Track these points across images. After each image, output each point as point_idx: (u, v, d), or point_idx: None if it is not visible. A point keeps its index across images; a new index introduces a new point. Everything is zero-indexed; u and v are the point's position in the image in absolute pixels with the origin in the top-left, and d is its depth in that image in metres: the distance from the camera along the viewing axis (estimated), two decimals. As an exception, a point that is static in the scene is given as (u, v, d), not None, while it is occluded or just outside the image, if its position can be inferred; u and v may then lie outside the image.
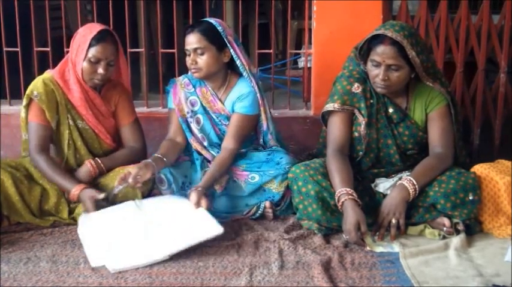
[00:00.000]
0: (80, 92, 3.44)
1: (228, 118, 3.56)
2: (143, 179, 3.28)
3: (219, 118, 3.58)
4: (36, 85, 3.42)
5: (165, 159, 3.43)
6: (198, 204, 3.22)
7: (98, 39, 3.35)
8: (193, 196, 3.23)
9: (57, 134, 3.47)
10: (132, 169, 3.28)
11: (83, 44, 3.36)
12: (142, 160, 3.39)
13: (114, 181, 3.32)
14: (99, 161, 3.43)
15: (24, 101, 3.43)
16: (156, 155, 3.43)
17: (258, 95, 3.55)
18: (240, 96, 3.53)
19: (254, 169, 3.48)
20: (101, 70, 3.36)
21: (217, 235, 3.06)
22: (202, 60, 3.44)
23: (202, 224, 3.12)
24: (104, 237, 3.07)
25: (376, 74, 3.18)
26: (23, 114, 3.46)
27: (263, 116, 3.59)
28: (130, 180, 3.24)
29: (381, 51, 3.14)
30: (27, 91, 3.43)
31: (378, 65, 3.17)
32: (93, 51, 3.35)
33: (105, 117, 3.54)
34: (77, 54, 3.39)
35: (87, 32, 3.40)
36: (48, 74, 3.49)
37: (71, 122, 3.46)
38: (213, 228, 3.08)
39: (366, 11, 3.98)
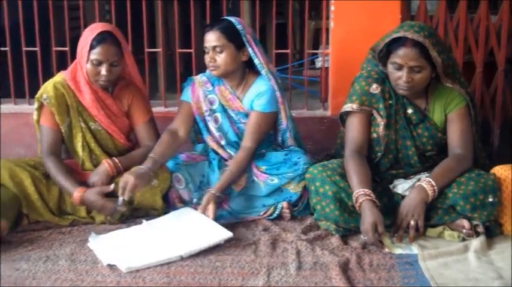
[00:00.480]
0: (90, 93, 3.45)
1: (246, 116, 3.56)
2: (139, 189, 3.30)
3: (237, 116, 3.58)
4: (46, 89, 3.45)
5: (161, 160, 3.42)
6: (205, 208, 3.25)
7: (98, 41, 3.35)
8: (204, 198, 3.29)
9: (70, 137, 3.49)
10: (131, 176, 3.24)
11: (85, 47, 3.38)
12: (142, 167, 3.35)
13: None
14: (116, 161, 3.44)
15: (36, 104, 3.47)
16: (152, 156, 3.39)
17: (278, 93, 3.54)
18: (258, 94, 3.52)
19: (274, 171, 3.48)
20: (103, 72, 3.37)
21: (228, 238, 3.10)
22: (221, 58, 3.45)
23: (212, 230, 3.17)
24: (116, 245, 3.09)
25: (399, 76, 3.17)
26: (35, 117, 3.49)
27: (282, 114, 3.58)
28: (126, 195, 3.24)
29: (403, 54, 3.12)
30: (37, 95, 3.46)
31: (400, 67, 3.15)
32: (94, 53, 3.36)
33: (118, 117, 3.55)
34: (81, 57, 3.41)
35: (88, 34, 3.41)
36: (59, 77, 3.51)
37: (83, 125, 3.48)
38: (222, 233, 3.13)
39: (384, 11, 3.97)
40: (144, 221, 3.29)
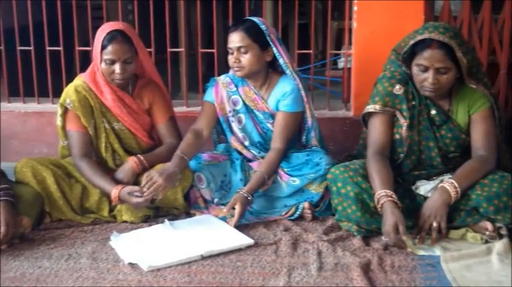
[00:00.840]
0: (110, 93, 3.46)
1: (272, 116, 3.56)
2: (167, 191, 3.31)
3: (263, 116, 3.58)
4: (68, 93, 3.45)
5: (186, 158, 3.43)
6: (231, 207, 3.27)
7: (108, 39, 3.35)
8: (232, 198, 3.30)
9: (94, 138, 3.49)
10: (160, 178, 3.24)
11: (98, 47, 3.38)
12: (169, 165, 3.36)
13: None
14: (142, 158, 3.44)
15: (59, 110, 3.46)
16: (180, 154, 3.41)
17: (303, 92, 3.54)
18: (283, 94, 3.52)
19: (295, 172, 3.47)
20: (117, 70, 3.37)
21: (249, 244, 3.11)
22: (245, 59, 3.44)
23: (234, 235, 3.20)
24: (137, 244, 3.11)
25: (425, 78, 3.14)
26: (59, 123, 3.49)
27: (308, 113, 3.58)
28: (153, 195, 3.25)
29: (429, 56, 3.10)
30: (60, 100, 3.47)
31: (425, 69, 3.12)
32: (106, 53, 3.36)
33: (139, 114, 3.55)
34: (96, 57, 3.42)
35: (99, 34, 3.40)
36: (79, 79, 3.51)
37: (106, 126, 3.49)
38: (244, 239, 3.15)
39: (407, 11, 3.94)
40: (166, 220, 3.30)
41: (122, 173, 3.41)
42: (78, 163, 3.40)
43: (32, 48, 4.32)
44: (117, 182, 3.36)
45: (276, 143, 3.51)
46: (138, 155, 3.46)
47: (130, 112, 3.53)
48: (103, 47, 3.36)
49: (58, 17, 4.24)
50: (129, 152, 3.55)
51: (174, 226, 3.28)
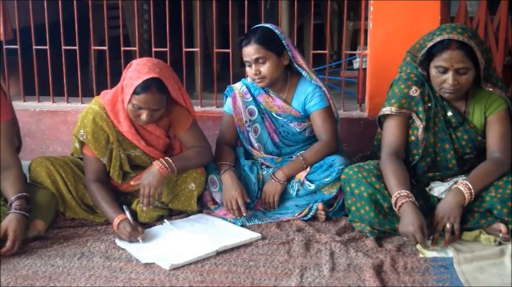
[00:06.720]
0: (129, 126, 3.35)
1: (296, 118, 3.55)
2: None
3: (287, 119, 3.55)
4: (84, 122, 3.33)
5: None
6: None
7: (143, 88, 3.18)
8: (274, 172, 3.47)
9: (109, 165, 3.40)
10: (239, 195, 3.37)
11: (129, 88, 3.22)
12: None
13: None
14: (170, 161, 3.32)
15: (75, 140, 3.39)
16: (230, 164, 3.50)
17: (324, 88, 3.54)
18: (307, 96, 3.52)
19: (309, 177, 3.45)
20: (144, 117, 3.24)
21: (257, 238, 3.17)
22: (265, 69, 3.41)
23: (240, 231, 3.26)
24: (149, 244, 3.13)
25: (444, 79, 3.12)
26: (77, 145, 3.40)
27: (333, 108, 3.59)
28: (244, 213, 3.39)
29: (449, 57, 3.07)
30: (75, 130, 3.37)
31: (445, 70, 3.10)
32: (136, 98, 3.20)
33: (160, 138, 3.47)
34: (124, 93, 3.27)
35: (135, 75, 3.23)
36: (97, 104, 3.37)
37: (122, 155, 3.40)
38: (251, 234, 3.21)
39: (423, 11, 3.92)
40: (165, 220, 3.31)
41: (150, 177, 3.28)
42: (89, 187, 3.35)
43: (47, 47, 4.33)
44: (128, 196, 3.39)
45: (321, 138, 3.52)
46: (167, 158, 3.33)
47: (150, 139, 3.43)
48: (135, 92, 3.20)
49: (74, 16, 4.25)
50: (142, 167, 3.49)
51: (176, 226, 3.30)
